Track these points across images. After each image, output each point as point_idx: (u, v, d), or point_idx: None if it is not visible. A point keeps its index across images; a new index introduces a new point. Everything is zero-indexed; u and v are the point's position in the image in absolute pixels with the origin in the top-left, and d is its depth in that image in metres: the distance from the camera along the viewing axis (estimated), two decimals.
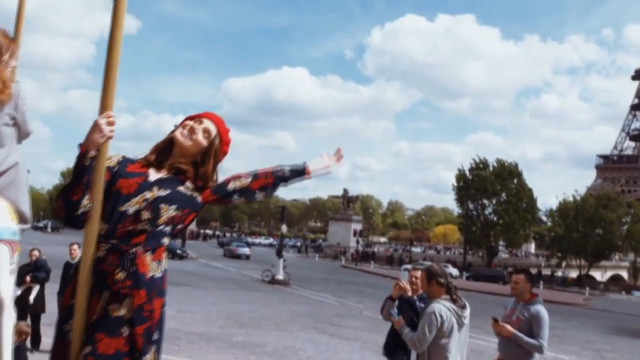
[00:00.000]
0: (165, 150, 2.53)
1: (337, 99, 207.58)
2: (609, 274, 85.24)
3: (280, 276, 31.89)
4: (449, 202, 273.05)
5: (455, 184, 71.21)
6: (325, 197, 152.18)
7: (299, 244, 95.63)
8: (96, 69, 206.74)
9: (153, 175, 2.48)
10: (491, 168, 69.40)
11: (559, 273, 66.17)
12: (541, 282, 54.99)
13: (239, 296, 24.02)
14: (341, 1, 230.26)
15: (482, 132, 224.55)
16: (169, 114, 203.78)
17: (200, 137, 2.49)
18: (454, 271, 58.95)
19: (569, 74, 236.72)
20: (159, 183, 2.45)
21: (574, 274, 67.76)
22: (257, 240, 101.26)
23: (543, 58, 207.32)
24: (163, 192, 2.42)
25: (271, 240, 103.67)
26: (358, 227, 74.00)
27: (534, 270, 68.44)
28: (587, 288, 55.34)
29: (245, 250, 55.70)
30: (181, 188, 2.49)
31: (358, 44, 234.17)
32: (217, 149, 2.58)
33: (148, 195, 2.40)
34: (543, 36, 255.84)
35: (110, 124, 2.36)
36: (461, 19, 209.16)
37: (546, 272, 69.37)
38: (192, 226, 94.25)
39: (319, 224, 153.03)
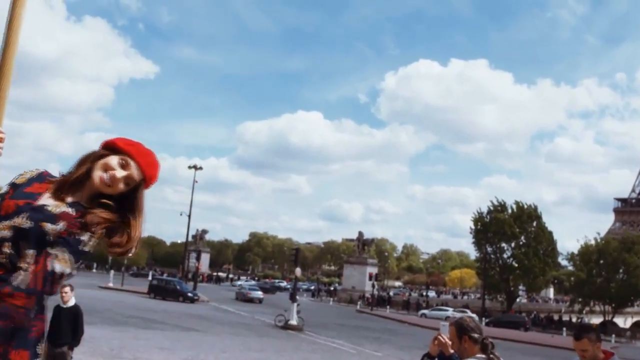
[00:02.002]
0: (76, 182, 2.04)
1: (351, 142, 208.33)
2: (632, 320, 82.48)
3: (293, 321, 30.63)
4: (464, 245, 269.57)
5: (473, 227, 69.78)
6: (339, 240, 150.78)
7: (312, 287, 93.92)
8: (114, 113, 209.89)
9: (44, 199, 1.99)
10: (510, 211, 68.02)
11: (583, 319, 63.92)
12: (564, 329, 53.05)
13: (251, 343, 22.84)
14: (355, 46, 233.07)
15: (497, 176, 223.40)
16: (184, 157, 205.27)
17: (121, 186, 2.02)
18: (474, 317, 57.15)
19: (583, 118, 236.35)
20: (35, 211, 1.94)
21: (595, 320, 65.47)
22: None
23: (556, 102, 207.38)
24: (27, 224, 1.90)
25: (284, 283, 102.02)
26: (373, 270, 72.46)
27: (554, 317, 66.39)
28: (613, 335, 53.15)
29: (258, 294, 54.50)
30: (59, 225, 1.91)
31: (372, 89, 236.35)
32: (141, 204, 2.09)
33: (16, 221, 1.91)
34: (556, 80, 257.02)
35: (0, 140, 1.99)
36: (474, 64, 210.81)
37: (566, 317, 67.17)
38: (205, 269, 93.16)
39: (333, 268, 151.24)
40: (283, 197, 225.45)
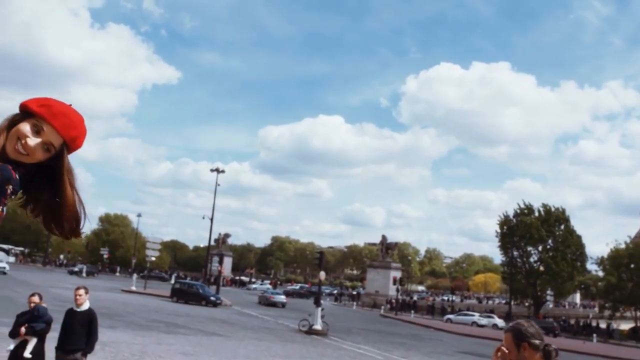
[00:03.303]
0: None
1: (372, 146, 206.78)
2: None
3: (318, 326, 30.03)
4: (487, 249, 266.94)
5: (499, 230, 68.56)
6: (361, 244, 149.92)
7: (335, 291, 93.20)
8: (137, 118, 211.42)
9: None
10: (536, 214, 66.69)
11: (613, 325, 62.30)
12: (594, 335, 51.70)
13: (274, 348, 22.28)
14: (376, 50, 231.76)
15: (520, 179, 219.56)
16: (206, 161, 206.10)
17: (40, 153, 1.75)
18: (500, 322, 56.04)
19: (608, 120, 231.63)
20: None
21: (625, 325, 63.77)
22: (292, 288, 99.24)
23: (581, 104, 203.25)
24: None
25: (307, 287, 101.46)
26: (397, 274, 71.55)
27: (582, 322, 64.76)
28: None
29: (281, 298, 54.02)
30: None
31: (393, 92, 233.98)
32: (69, 169, 1.82)
33: None
34: (580, 82, 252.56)
35: None
36: (496, 67, 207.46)
37: (595, 323, 65.51)
38: (227, 273, 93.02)
39: (355, 272, 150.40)
40: (305, 201, 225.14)
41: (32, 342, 7.94)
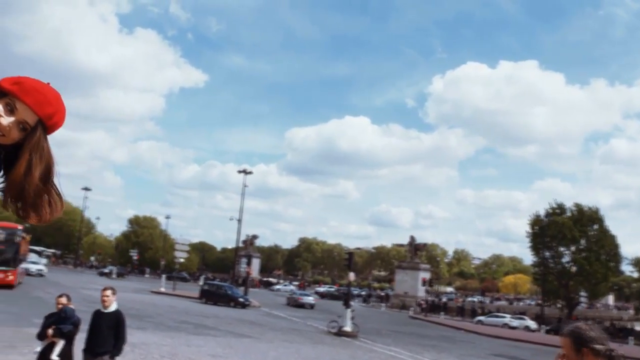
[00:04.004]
0: None
1: (399, 147, 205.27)
2: None
3: (347, 328, 29.67)
4: (516, 250, 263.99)
5: (529, 231, 67.36)
6: (389, 245, 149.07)
7: (363, 293, 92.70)
8: (165, 121, 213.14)
9: None
10: (569, 213, 65.34)
11: None
12: (631, 337, 50.40)
13: (304, 350, 21.99)
14: (402, 51, 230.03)
15: (550, 179, 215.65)
16: (233, 164, 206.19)
17: (15, 133, 1.66)
18: (532, 324, 55.05)
19: None
20: None
21: None
22: (321, 289, 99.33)
23: (611, 102, 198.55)
24: None
25: (335, 288, 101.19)
26: (426, 275, 70.80)
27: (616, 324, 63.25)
28: None
29: (310, 299, 53.77)
30: None
31: (419, 93, 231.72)
32: (36, 146, 1.68)
33: None
34: (610, 80, 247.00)
35: None
36: (523, 65, 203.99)
37: (629, 325, 63.90)
38: (255, 274, 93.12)
39: (383, 273, 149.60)
40: (332, 202, 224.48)
41: (60, 344, 7.75)
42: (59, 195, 1.73)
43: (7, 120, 1.63)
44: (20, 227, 40.79)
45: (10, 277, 34.59)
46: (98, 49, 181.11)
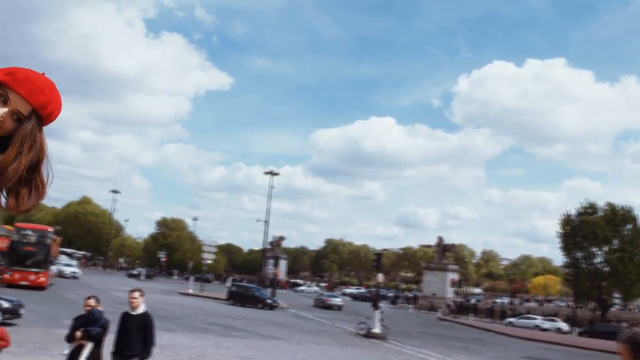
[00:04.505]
0: None
1: (425, 147, 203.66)
2: None
3: (376, 329, 29.36)
4: (545, 251, 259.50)
5: (560, 231, 66.13)
6: (416, 246, 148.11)
7: (390, 294, 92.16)
8: (191, 124, 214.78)
9: None
10: (601, 213, 63.99)
11: None
12: None
13: (334, 352, 21.77)
14: (427, 50, 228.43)
15: (579, 178, 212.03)
16: (259, 165, 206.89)
17: (9, 123, 1.64)
18: (564, 326, 54.04)
19: None
20: None
21: None
22: (348, 290, 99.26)
23: None
24: None
25: (363, 290, 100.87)
26: (455, 276, 70.00)
27: None
28: None
29: (337, 301, 53.54)
30: None
31: (445, 92, 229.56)
32: (19, 137, 1.65)
33: None
34: None
35: None
36: (551, 63, 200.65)
37: None
38: (282, 275, 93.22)
39: (410, 274, 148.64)
40: (358, 203, 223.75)
41: (88, 347, 7.63)
42: (43, 186, 1.68)
43: (0, 111, 1.60)
44: (51, 229, 41.33)
45: (42, 279, 35.02)
46: (125, 53, 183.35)
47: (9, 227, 44.97)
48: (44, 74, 1.70)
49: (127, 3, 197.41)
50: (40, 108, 1.66)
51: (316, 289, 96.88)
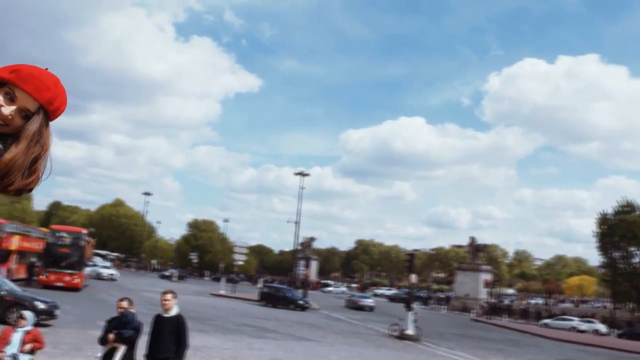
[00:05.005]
0: None
1: (455, 146, 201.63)
2: None
3: (410, 331, 28.98)
4: (579, 251, 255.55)
5: (596, 230, 64.75)
6: (447, 246, 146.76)
7: (422, 294, 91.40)
8: (221, 126, 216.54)
9: None
10: (638, 212, 62.43)
11: None
12: None
13: (367, 354, 21.51)
14: (456, 49, 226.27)
15: (614, 176, 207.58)
16: (289, 167, 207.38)
17: (18, 120, 1.67)
18: (602, 327, 52.78)
19: None
20: None
21: None
22: (379, 291, 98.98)
23: None
24: None
25: (394, 290, 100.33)
26: (488, 277, 68.98)
27: None
28: None
29: (369, 302, 53.18)
30: None
31: (475, 91, 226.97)
32: (28, 132, 1.67)
33: None
34: None
35: None
36: (583, 60, 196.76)
37: None
38: (314, 276, 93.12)
39: (441, 275, 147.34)
40: (388, 204, 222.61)
41: (121, 350, 7.53)
42: (38, 178, 1.70)
43: (8, 109, 1.62)
44: (85, 231, 41.87)
45: (77, 280, 35.47)
46: (156, 57, 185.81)
47: (45, 229, 45.73)
48: (47, 69, 1.70)
49: (158, 8, 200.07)
50: (46, 104, 1.67)
51: (344, 289, 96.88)
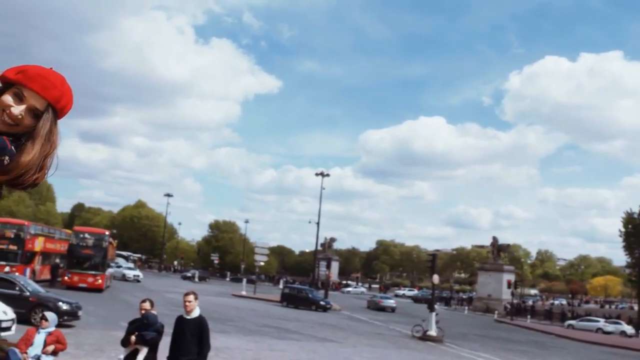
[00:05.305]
0: None
1: (476, 146, 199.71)
2: None
3: (432, 332, 28.70)
4: (604, 251, 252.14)
5: (622, 230, 63.66)
6: (468, 247, 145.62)
7: (444, 295, 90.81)
8: (241, 128, 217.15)
9: None
10: None
11: None
12: None
13: (390, 356, 21.29)
14: (476, 48, 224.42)
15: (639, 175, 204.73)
16: (309, 167, 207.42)
17: (28, 120, 1.74)
18: (629, 329, 51.87)
19: None
20: None
21: None
22: (400, 292, 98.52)
23: None
24: None
25: (415, 291, 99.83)
26: (511, 277, 68.19)
27: None
28: None
29: (391, 302, 52.88)
30: None
31: (496, 90, 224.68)
32: (42, 131, 1.75)
33: None
34: None
35: None
36: (607, 57, 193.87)
37: None
38: (335, 276, 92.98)
39: (463, 275, 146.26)
40: (408, 204, 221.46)
41: (143, 352, 7.44)
42: (43, 174, 1.75)
43: (18, 109, 1.68)
44: (107, 232, 42.18)
45: (100, 281, 35.72)
46: (176, 60, 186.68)
47: (68, 231, 46.18)
48: (51, 69, 1.75)
49: (177, 11, 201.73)
50: (54, 101, 1.73)
51: (362, 289, 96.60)
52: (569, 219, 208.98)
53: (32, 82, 1.71)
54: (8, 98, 1.71)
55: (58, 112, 1.76)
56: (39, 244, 36.77)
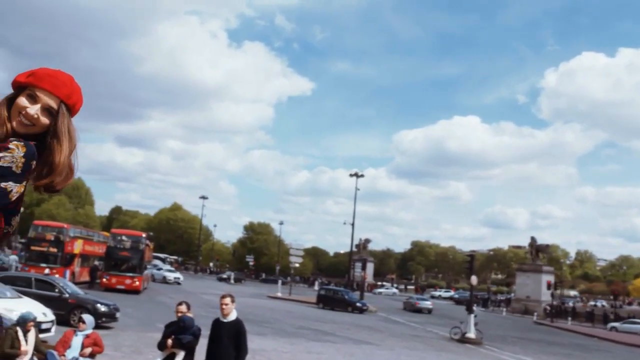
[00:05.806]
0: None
1: (511, 145, 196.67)
2: None
3: (471, 334, 28.15)
4: None
5: None
6: (505, 247, 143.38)
7: (483, 296, 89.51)
8: (274, 130, 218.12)
9: None
10: None
11: None
12: None
13: (428, 358, 20.89)
14: (510, 46, 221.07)
15: None
16: (342, 169, 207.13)
17: (44, 119, 1.85)
18: None
19: None
20: None
21: None
22: (437, 293, 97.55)
23: None
24: None
25: (452, 292, 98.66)
26: (550, 278, 66.79)
27: None
28: None
29: (427, 304, 52.26)
30: None
31: (531, 88, 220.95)
32: (63, 128, 1.85)
33: None
34: None
35: None
36: None
37: None
38: (370, 278, 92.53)
39: (500, 276, 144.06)
40: (443, 204, 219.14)
41: (180, 356, 7.32)
42: (72, 171, 1.86)
43: (33, 109, 1.80)
44: (144, 235, 42.64)
45: (137, 283, 36.07)
46: (210, 64, 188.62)
47: (106, 234, 46.87)
48: (59, 70, 1.87)
49: (210, 15, 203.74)
50: (66, 98, 1.84)
51: (395, 290, 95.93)
52: (609, 218, 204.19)
53: (42, 81, 1.82)
54: (23, 100, 1.81)
55: (70, 108, 1.86)
56: (78, 247, 37.35)
